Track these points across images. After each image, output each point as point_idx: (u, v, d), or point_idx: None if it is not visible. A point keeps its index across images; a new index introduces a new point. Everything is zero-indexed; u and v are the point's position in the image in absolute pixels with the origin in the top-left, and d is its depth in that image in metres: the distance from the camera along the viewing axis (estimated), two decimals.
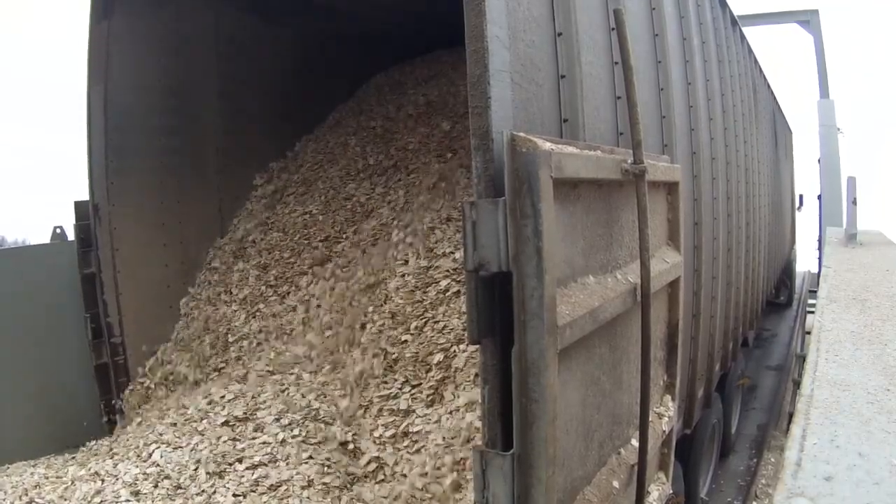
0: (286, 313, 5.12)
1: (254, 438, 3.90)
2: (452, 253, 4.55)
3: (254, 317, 5.25)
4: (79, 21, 5.05)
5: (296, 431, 3.91)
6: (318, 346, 4.65)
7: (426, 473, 3.42)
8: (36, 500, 3.64)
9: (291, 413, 4.04)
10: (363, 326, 4.60)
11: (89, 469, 3.91)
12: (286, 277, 5.40)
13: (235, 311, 5.34)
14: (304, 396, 4.18)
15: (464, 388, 3.77)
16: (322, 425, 3.95)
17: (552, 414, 1.85)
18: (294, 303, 5.16)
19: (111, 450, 4.25)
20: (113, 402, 4.96)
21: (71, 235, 5.00)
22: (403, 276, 4.62)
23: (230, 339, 5.16)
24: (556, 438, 1.90)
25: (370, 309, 4.66)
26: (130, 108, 5.01)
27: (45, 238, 5.14)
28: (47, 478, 3.91)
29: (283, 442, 3.84)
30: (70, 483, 3.79)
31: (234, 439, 3.93)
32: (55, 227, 5.06)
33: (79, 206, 4.94)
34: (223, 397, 4.38)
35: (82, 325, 4.90)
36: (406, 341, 4.22)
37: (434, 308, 4.29)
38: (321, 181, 6.04)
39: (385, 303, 4.58)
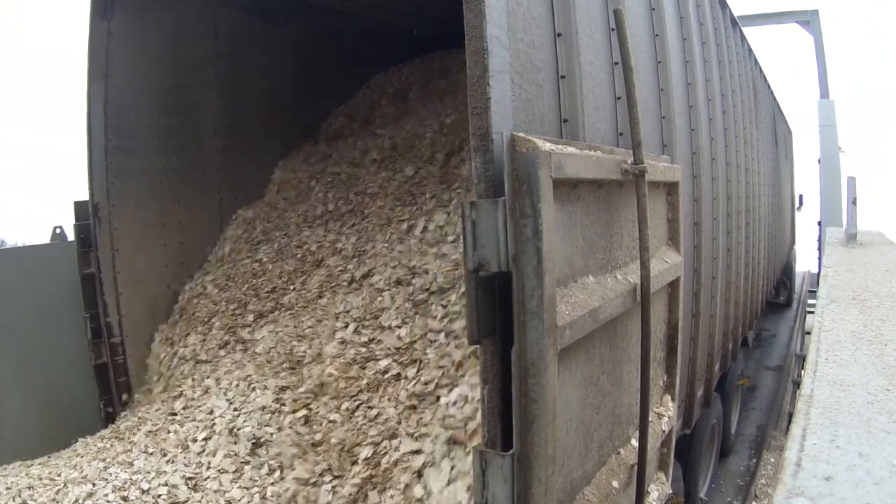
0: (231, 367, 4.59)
1: (250, 440, 3.89)
2: (399, 328, 4.13)
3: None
4: (79, 21, 5.04)
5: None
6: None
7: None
8: (28, 501, 3.62)
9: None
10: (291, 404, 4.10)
11: (81, 472, 3.89)
12: (230, 329, 4.99)
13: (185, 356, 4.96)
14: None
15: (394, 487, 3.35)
16: None
17: (552, 414, 1.85)
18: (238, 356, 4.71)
19: (105, 453, 4.21)
20: (112, 402, 4.96)
21: (71, 235, 5.00)
22: (342, 341, 4.28)
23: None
24: (556, 438, 1.90)
25: (301, 379, 4.20)
26: (130, 108, 5.01)
27: (44, 239, 5.15)
28: (41, 479, 3.88)
29: (275, 452, 3.82)
30: (62, 486, 3.76)
31: (229, 444, 3.92)
32: (55, 228, 5.06)
33: (79, 206, 4.93)
34: (221, 398, 4.37)
35: (82, 325, 4.89)
36: (335, 421, 3.85)
37: (371, 391, 3.92)
38: (278, 230, 5.70)
39: (318, 375, 4.16)
